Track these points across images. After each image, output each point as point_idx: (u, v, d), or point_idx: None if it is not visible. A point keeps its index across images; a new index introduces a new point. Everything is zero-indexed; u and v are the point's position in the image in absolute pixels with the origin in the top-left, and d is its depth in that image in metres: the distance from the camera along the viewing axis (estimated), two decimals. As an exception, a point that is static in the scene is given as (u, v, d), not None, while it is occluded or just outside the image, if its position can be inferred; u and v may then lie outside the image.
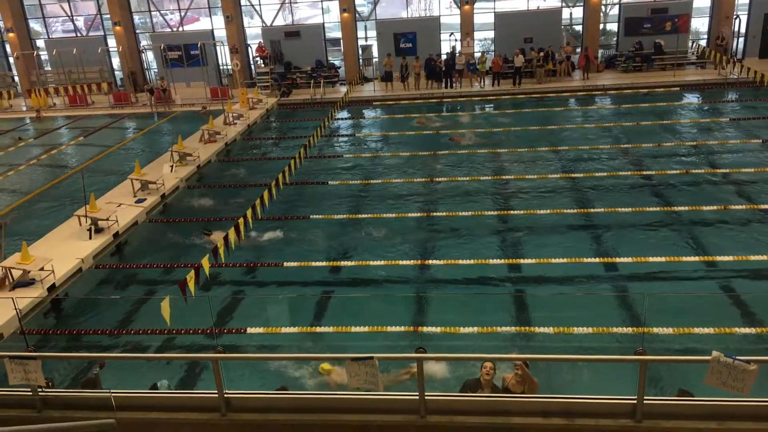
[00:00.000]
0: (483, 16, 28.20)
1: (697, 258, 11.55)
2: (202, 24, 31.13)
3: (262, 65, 28.84)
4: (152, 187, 15.82)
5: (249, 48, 29.79)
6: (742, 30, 26.78)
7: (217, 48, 29.36)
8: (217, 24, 29.77)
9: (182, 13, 30.39)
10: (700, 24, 27.82)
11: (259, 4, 29.75)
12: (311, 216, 14.64)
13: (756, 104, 21.55)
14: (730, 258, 11.33)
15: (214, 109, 24.48)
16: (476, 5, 27.77)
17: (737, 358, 4.62)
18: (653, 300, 9.83)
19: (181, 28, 30.47)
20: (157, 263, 12.85)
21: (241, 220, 12.16)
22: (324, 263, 12.36)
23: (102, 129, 24.66)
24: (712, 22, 27.01)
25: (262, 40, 29.06)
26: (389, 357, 7.47)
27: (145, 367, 9.29)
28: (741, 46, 27.06)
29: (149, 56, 30.82)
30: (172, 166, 17.22)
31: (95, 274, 12.53)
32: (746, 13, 26.56)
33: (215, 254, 10.94)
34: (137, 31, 30.58)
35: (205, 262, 10.47)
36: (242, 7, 29.48)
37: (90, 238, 13.08)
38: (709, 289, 10.64)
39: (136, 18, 30.66)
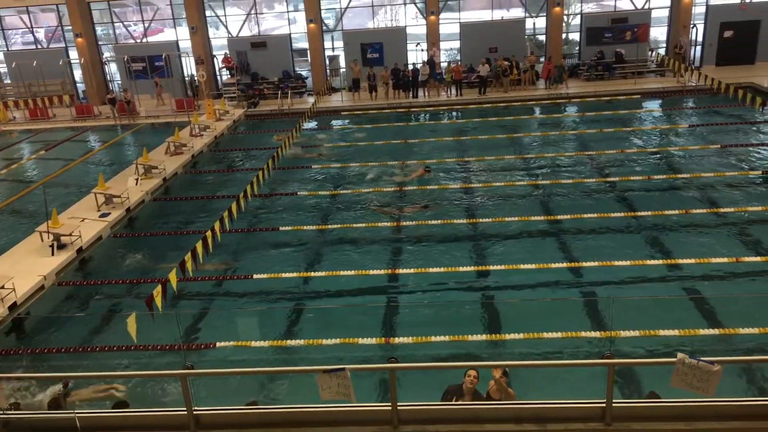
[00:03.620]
0: (449, 27, 28.51)
1: (661, 261, 11.80)
2: (167, 35, 30.78)
3: (229, 76, 28.63)
4: (117, 200, 15.52)
5: (215, 59, 29.55)
6: (700, 38, 27.61)
7: (183, 59, 29.05)
8: (182, 35, 29.47)
9: (146, 25, 30.02)
10: (658, 33, 28.57)
11: (225, 15, 29.57)
12: (280, 228, 14.54)
13: (714, 110, 22.19)
14: (693, 261, 11.61)
15: (180, 120, 24.19)
16: (442, 16, 28.07)
17: (701, 359, 4.71)
18: (620, 304, 10.01)
19: (145, 40, 30.08)
20: (122, 279, 12.59)
21: (209, 233, 12.02)
22: (294, 274, 12.28)
23: (64, 142, 24.15)
24: (671, 32, 27.78)
25: (228, 51, 28.87)
26: (361, 368, 7.42)
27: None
28: (698, 54, 27.86)
29: (112, 68, 30.33)
30: (137, 179, 16.93)
31: (58, 292, 12.22)
32: (703, 22, 27.39)
33: (183, 268, 10.78)
34: (100, 43, 30.08)
35: (173, 277, 10.31)
36: (207, 18, 29.26)
37: (52, 254, 12.76)
38: (673, 292, 10.90)
39: (99, 29, 30.17)
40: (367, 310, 10.95)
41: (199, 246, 11.43)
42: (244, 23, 29.66)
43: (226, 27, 29.65)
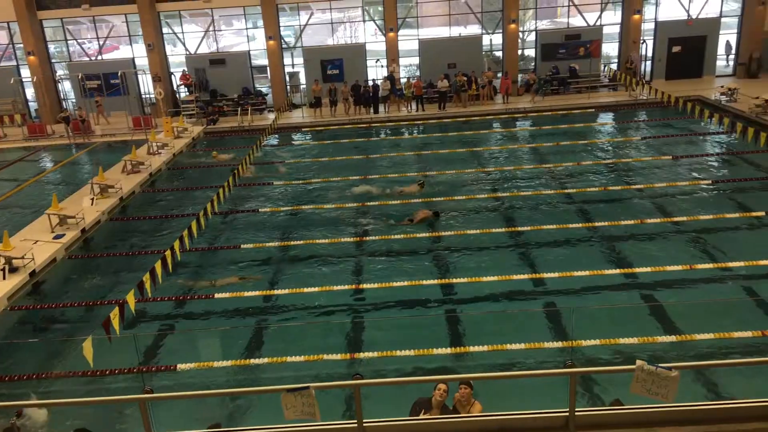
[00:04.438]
0: (408, 43, 28.83)
1: (618, 270, 12.06)
2: (122, 52, 30.30)
3: (187, 93, 28.31)
4: (71, 221, 15.11)
5: (172, 76, 29.20)
6: (650, 54, 28.57)
7: (139, 76, 28.61)
8: (139, 52, 29.06)
9: (101, 42, 29.50)
10: (611, 49, 29.46)
11: (182, 33, 29.30)
12: (242, 245, 14.37)
13: (665, 123, 22.93)
14: (649, 269, 11.91)
15: (137, 138, 23.77)
16: (401, 32, 28.39)
17: (660, 365, 4.82)
18: (580, 313, 10.18)
19: (99, 57, 29.54)
20: (78, 302, 12.22)
21: (168, 252, 11.80)
22: (257, 293, 12.12)
23: (16, 162, 23.43)
24: (622, 47, 28.68)
25: (186, 68, 28.57)
26: (326, 386, 7.36)
27: (72, 413, 8.75)
28: (649, 68, 28.82)
29: (66, 86, 29.67)
30: (92, 199, 16.54)
31: (10, 317, 11.79)
32: (652, 37, 28.37)
33: (141, 289, 10.54)
34: (53, 61, 29.39)
35: (131, 298, 10.07)
36: (164, 35, 28.94)
37: (3, 278, 12.32)
38: (631, 300, 11.13)
39: (52, 47, 29.50)
40: (332, 327, 10.89)
41: (158, 266, 11.20)
42: (202, 40, 29.44)
43: (183, 44, 29.37)
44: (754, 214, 14.19)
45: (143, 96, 29.34)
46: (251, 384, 9.32)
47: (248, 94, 28.52)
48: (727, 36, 28.53)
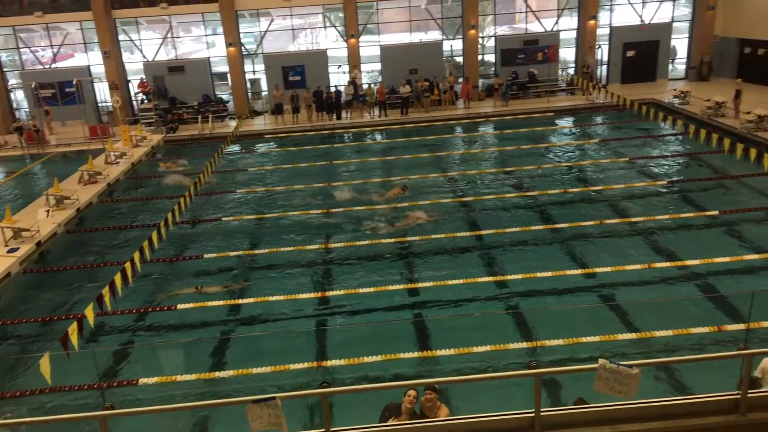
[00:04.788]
0: (369, 49, 28.91)
1: (579, 271, 12.28)
2: (78, 60, 29.57)
3: (146, 101, 27.81)
4: (26, 234, 14.66)
5: (130, 84, 28.64)
6: (605, 58, 29.26)
7: (95, 84, 27.97)
8: (94, 60, 28.41)
9: (55, 50, 28.75)
10: (568, 54, 30.08)
11: (140, 40, 28.78)
12: (205, 255, 14.15)
13: (621, 126, 23.50)
14: (609, 269, 12.16)
15: (94, 148, 23.21)
16: (362, 38, 28.45)
17: (621, 363, 4.91)
18: (544, 314, 10.33)
19: (54, 65, 28.77)
20: (34, 317, 11.83)
21: (127, 264, 11.54)
22: (221, 303, 11.95)
23: (-35, 174, 22.65)
24: (578, 52, 29.32)
25: (144, 76, 28.05)
26: (292, 395, 7.29)
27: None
28: (605, 73, 29.50)
29: (19, 95, 28.81)
30: (48, 211, 16.06)
31: (-38, 335, 11.35)
32: (607, 43, 29.07)
33: (100, 303, 10.28)
34: (5, 69, 28.50)
35: (89, 312, 9.81)
36: (121, 43, 28.38)
37: (-46, 295, 11.86)
38: (592, 300, 11.34)
39: (4, 56, 28.61)
40: (298, 335, 10.80)
41: (117, 278, 10.95)
42: (160, 47, 28.96)
43: (141, 51, 28.85)
44: (708, 213, 14.63)
45: (100, 104, 28.69)
46: (216, 397, 9.16)
47: (209, 102, 28.17)
48: (679, 40, 29.41)
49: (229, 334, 11.12)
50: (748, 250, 12.67)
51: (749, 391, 5.00)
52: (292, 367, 9.68)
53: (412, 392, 7.05)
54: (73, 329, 9.23)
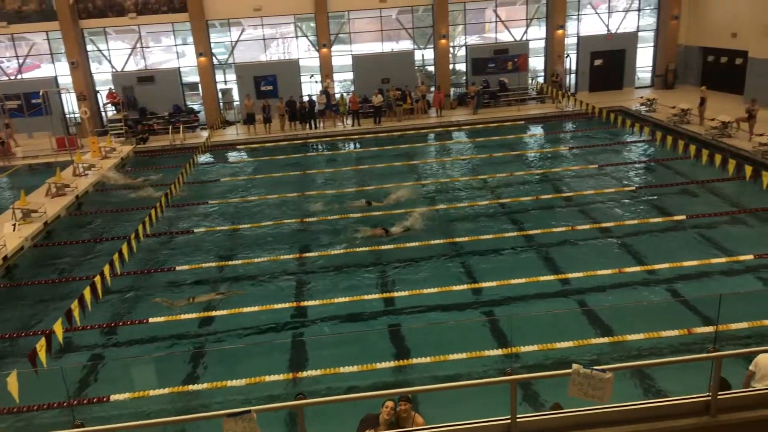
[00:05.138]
0: (341, 59, 28.97)
1: (553, 276, 12.43)
2: (44, 71, 29.04)
3: (115, 112, 27.41)
4: (-9, 249, 14.30)
5: (98, 95, 28.22)
6: (574, 67, 29.78)
7: (63, 95, 27.49)
8: (62, 70, 27.94)
9: (20, 60, 28.20)
10: (537, 63, 30.54)
11: (108, 50, 28.40)
12: (177, 267, 13.97)
13: (590, 133, 23.91)
14: (581, 274, 12.32)
15: (62, 160, 22.77)
16: (334, 48, 28.50)
17: (594, 368, 4.97)
18: (518, 320, 10.41)
19: (19, 76, 28.21)
20: (1, 333, 11.53)
21: (98, 278, 11.34)
22: (194, 315, 11.79)
23: (-73, 188, 22.02)
24: (547, 61, 29.79)
25: (112, 86, 27.67)
26: (268, 408, 7.20)
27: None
28: (573, 81, 30.02)
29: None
30: (14, 225, 15.70)
31: (-76, 354, 11.00)
32: (575, 52, 29.59)
33: (69, 318, 10.07)
34: (-33, 80, 27.89)
35: (58, 328, 9.60)
36: (89, 53, 27.97)
37: None
38: (566, 305, 11.47)
39: (-35, 66, 28.00)
40: (273, 347, 10.71)
41: (87, 293, 10.74)
42: (129, 57, 28.61)
43: (109, 61, 28.46)
44: (675, 218, 14.94)
45: (67, 115, 28.20)
46: (190, 411, 9.02)
47: (179, 112, 27.89)
48: (644, 49, 30.07)
49: (203, 346, 10.97)
50: (714, 253, 12.96)
51: (719, 393, 5.10)
52: (267, 378, 9.59)
53: (389, 403, 7.04)
54: (41, 345, 9.03)
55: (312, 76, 28.42)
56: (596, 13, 29.79)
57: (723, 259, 12.62)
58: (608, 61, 29.45)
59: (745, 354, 8.61)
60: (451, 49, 29.39)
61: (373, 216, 16.28)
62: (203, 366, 10.30)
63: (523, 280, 12.13)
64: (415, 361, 9.83)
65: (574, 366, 5.00)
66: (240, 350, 10.63)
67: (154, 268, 14.16)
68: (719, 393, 5.10)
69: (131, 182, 21.14)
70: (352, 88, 28.79)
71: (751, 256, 12.54)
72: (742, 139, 19.70)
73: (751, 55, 24.24)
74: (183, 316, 11.73)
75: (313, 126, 26.40)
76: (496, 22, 29.85)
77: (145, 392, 9.47)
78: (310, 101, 26.54)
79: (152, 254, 14.97)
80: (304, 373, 9.75)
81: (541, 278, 12.30)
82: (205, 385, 9.61)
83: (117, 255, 12.56)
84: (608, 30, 29.61)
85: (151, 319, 11.60)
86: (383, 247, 14.32)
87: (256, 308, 11.83)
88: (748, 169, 14.92)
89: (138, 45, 28.44)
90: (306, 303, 12.05)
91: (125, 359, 10.72)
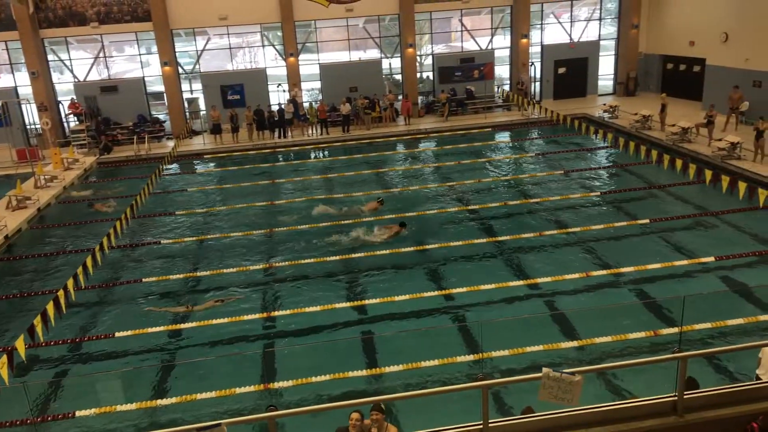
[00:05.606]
0: (309, 68, 28.94)
1: (522, 282, 12.56)
2: (4, 81, 28.30)
3: (77, 122, 26.85)
4: (-52, 264, 13.84)
5: (60, 105, 27.62)
6: (538, 75, 30.27)
7: (23, 106, 26.83)
8: (22, 81, 27.28)
9: (-23, 70, 27.48)
10: (503, 71, 30.96)
11: (70, 59, 27.86)
12: (143, 279, 13.72)
13: (555, 140, 24.31)
14: (549, 278, 12.49)
15: (23, 172, 22.19)
16: (301, 57, 28.46)
17: (564, 371, 5.04)
18: (489, 325, 10.47)
19: (-24, 86, 27.48)
20: (-41, 352, 11.15)
21: (61, 292, 11.06)
22: (162, 328, 11.58)
23: None
24: (513, 69, 30.23)
25: (74, 96, 27.12)
26: (238, 421, 7.10)
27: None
28: (538, 89, 30.51)
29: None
30: (-28, 239, 15.24)
31: None
32: (540, 60, 30.10)
33: (32, 333, 9.80)
34: None
35: (20, 344, 9.32)
36: (50, 63, 27.38)
37: None
38: (535, 309, 11.60)
39: None
40: (244, 358, 10.57)
41: (50, 307, 10.47)
42: (91, 67, 28.11)
43: (71, 71, 27.92)
44: (639, 221, 15.26)
45: (28, 126, 27.51)
46: (159, 426, 8.84)
47: (144, 122, 27.47)
48: (606, 58, 30.75)
49: (171, 360, 10.78)
50: (677, 256, 13.27)
51: (685, 393, 5.21)
52: (238, 390, 9.46)
53: (354, 414, 7.00)
54: (2, 363, 8.75)
55: (279, 85, 28.32)
56: (559, 22, 30.39)
57: (686, 262, 12.93)
58: (571, 70, 30.03)
59: (709, 354, 8.85)
60: (418, 58, 29.62)
61: (343, 224, 16.25)
62: (172, 379, 10.12)
63: (492, 286, 12.23)
64: (387, 369, 9.82)
65: (544, 370, 5.05)
66: (210, 362, 10.47)
67: (120, 280, 13.88)
68: (686, 393, 5.21)
69: (95, 194, 20.72)
70: (320, 97, 28.77)
71: (712, 258, 12.88)
72: (702, 144, 20.26)
73: (708, 62, 25.00)
74: (150, 330, 11.51)
75: (281, 135, 26.28)
76: (462, 31, 30.20)
77: (111, 407, 9.26)
78: (280, 110, 26.43)
79: (118, 267, 14.68)
80: (276, 384, 9.65)
81: (511, 283, 12.42)
82: (174, 399, 9.44)
83: (81, 268, 12.27)
84: (571, 39, 30.22)
85: (117, 333, 11.36)
86: (353, 256, 14.30)
87: (226, 320, 11.68)
88: (708, 173, 15.33)
89: (101, 54, 27.97)
90: (276, 313, 11.94)
91: (91, 374, 10.46)
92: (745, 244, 13.65)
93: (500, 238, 14.80)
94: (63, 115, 27.71)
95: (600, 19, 30.38)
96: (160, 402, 9.42)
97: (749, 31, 22.41)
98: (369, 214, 16.86)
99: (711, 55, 24.74)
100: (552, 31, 30.50)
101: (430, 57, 30.08)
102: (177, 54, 28.05)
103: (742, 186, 14.23)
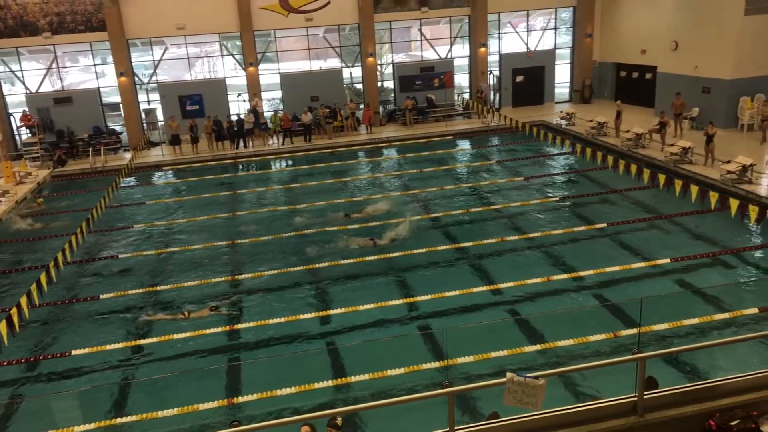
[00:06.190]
0: (269, 77, 28.77)
1: (485, 287, 12.68)
2: (-50, 92, 27.34)
3: (29, 135, 26.08)
4: None
5: (11, 117, 26.77)
6: (497, 83, 30.72)
7: (-29, 118, 25.93)
8: (-31, 92, 26.39)
9: None
10: (463, 80, 31.34)
11: (21, 70, 27.07)
12: (101, 295, 13.36)
13: (515, 147, 24.69)
14: (512, 284, 12.64)
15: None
16: (261, 66, 28.27)
17: (527, 375, 5.09)
18: (454, 332, 10.54)
19: None
20: None
21: (14, 310, 10.69)
22: (120, 345, 11.29)
23: None
24: (472, 78, 30.64)
25: (26, 108, 26.33)
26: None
27: None
28: (498, 97, 30.95)
29: None
30: None
31: None
32: (498, 69, 30.58)
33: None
34: None
35: (-29, 366, 8.96)
36: (0, 74, 26.55)
37: None
38: (498, 315, 11.72)
39: None
40: (207, 373, 10.38)
41: (2, 326, 10.10)
42: (44, 78, 27.38)
43: (23, 82, 27.13)
44: (597, 226, 15.59)
45: (-23, 139, 26.59)
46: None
47: (100, 133, 26.85)
48: (562, 66, 31.42)
49: (131, 377, 10.51)
50: (634, 258, 13.60)
51: (645, 393, 5.32)
52: (201, 407, 9.28)
53: (304, 428, 6.95)
54: (-49, 387, 8.40)
55: (240, 95, 28.07)
56: (516, 32, 30.95)
57: (643, 264, 13.26)
58: (529, 78, 30.59)
59: (668, 354, 9.07)
60: (378, 67, 29.76)
61: (307, 234, 16.16)
62: (133, 397, 9.86)
63: (456, 292, 12.32)
64: (353, 378, 9.78)
65: (508, 374, 5.09)
66: (171, 378, 10.24)
67: (77, 296, 13.49)
68: (645, 392, 5.32)
69: (49, 208, 20.14)
70: (281, 107, 28.62)
71: (668, 260, 13.24)
72: (655, 149, 20.86)
73: (659, 70, 25.79)
74: (108, 347, 11.21)
75: (241, 145, 26.01)
76: (421, 40, 30.48)
77: (69, 429, 8.97)
78: (238, 120, 26.16)
79: (74, 282, 14.27)
80: (240, 399, 9.50)
81: (474, 289, 12.53)
82: (134, 418, 9.20)
83: (35, 285, 11.89)
84: (528, 48, 30.80)
85: (74, 351, 11.03)
86: (318, 266, 14.21)
87: (188, 334, 11.46)
88: (662, 178, 15.78)
89: (54, 65, 27.27)
90: (239, 326, 11.78)
91: (47, 395, 10.11)
92: (698, 246, 14.08)
93: (463, 245, 14.92)
94: (14, 128, 26.87)
95: (555, 29, 31.07)
96: (119, 420, 9.17)
97: (697, 39, 23.22)
98: (341, 222, 16.81)
99: (662, 63, 25.53)
100: (509, 41, 31.05)
101: (391, 66, 30.25)
102: (133, 64, 27.56)
103: (694, 189, 14.69)
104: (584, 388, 9.13)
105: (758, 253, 13.66)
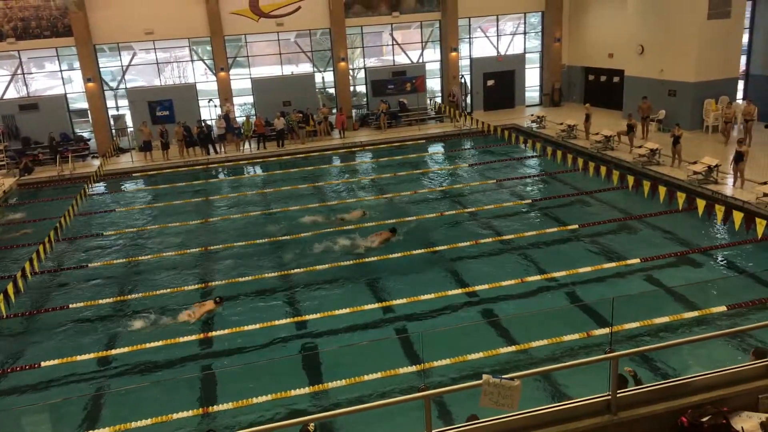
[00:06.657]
0: (240, 82, 28.55)
1: (460, 290, 12.75)
2: None
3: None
4: None
5: (-26, 124, 26.13)
6: (469, 88, 30.97)
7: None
8: (-71, 99, 25.69)
9: None
10: (435, 84, 31.53)
11: (-16, 76, 26.47)
12: (71, 305, 13.09)
13: (487, 150, 24.91)
14: (486, 286, 12.74)
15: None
16: (232, 71, 28.06)
17: (503, 377, 5.13)
18: (430, 335, 10.57)
19: None
20: None
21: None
22: (92, 355, 11.08)
23: None
24: (444, 82, 30.84)
25: (-10, 115, 25.74)
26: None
27: None
28: (469, 101, 31.21)
29: None
30: None
31: None
32: (469, 73, 30.83)
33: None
34: None
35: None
36: (-39, 80, 25.93)
37: None
38: (474, 317, 11.79)
39: None
40: (181, 382, 10.24)
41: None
42: (9, 84, 26.76)
43: (-14, 88, 26.51)
44: (568, 227, 15.81)
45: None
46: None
47: (68, 140, 26.34)
48: (532, 70, 31.81)
49: (103, 388, 10.31)
50: (605, 258, 13.83)
51: (618, 391, 5.41)
52: (175, 416, 9.15)
53: None
54: None
55: (210, 100, 27.81)
56: (486, 36, 31.26)
57: (614, 264, 13.48)
58: (500, 82, 30.91)
59: (639, 352, 9.22)
60: (350, 72, 29.76)
61: (284, 240, 16.07)
62: (105, 408, 9.68)
63: (431, 296, 12.36)
64: (330, 385, 9.73)
65: (484, 376, 5.12)
66: (145, 388, 10.08)
67: (46, 307, 13.20)
68: (618, 391, 5.41)
69: (15, 217, 19.69)
70: (253, 112, 28.43)
71: (638, 260, 13.48)
72: (624, 151, 21.24)
73: (626, 73, 26.27)
74: (79, 357, 10.99)
75: (212, 151, 25.75)
76: (393, 45, 30.59)
77: (39, 443, 8.77)
78: (207, 125, 25.88)
79: (43, 293, 13.96)
80: (215, 408, 9.39)
81: (449, 292, 12.59)
82: (107, 430, 9.02)
83: (2, 295, 11.60)
84: (498, 52, 31.13)
85: (43, 363, 10.78)
86: (293, 272, 14.14)
87: (161, 342, 11.29)
88: (631, 179, 16.06)
89: (19, 71, 26.69)
90: (213, 333, 11.64)
91: (15, 408, 9.86)
92: (667, 245, 14.38)
93: (437, 248, 14.99)
94: (-22, 135, 26.22)
95: (525, 33, 31.46)
96: (92, 433, 8.99)
97: (663, 43, 23.73)
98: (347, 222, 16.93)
99: (629, 67, 26.02)
100: (480, 45, 31.34)
101: (363, 70, 30.28)
102: (101, 70, 27.12)
103: (662, 190, 14.99)
104: (558, 389, 9.24)
105: (725, 252, 14.00)
